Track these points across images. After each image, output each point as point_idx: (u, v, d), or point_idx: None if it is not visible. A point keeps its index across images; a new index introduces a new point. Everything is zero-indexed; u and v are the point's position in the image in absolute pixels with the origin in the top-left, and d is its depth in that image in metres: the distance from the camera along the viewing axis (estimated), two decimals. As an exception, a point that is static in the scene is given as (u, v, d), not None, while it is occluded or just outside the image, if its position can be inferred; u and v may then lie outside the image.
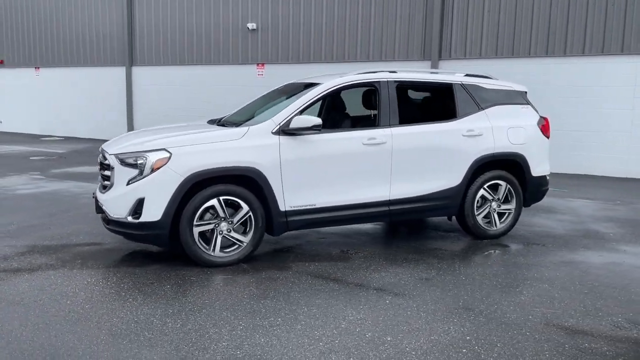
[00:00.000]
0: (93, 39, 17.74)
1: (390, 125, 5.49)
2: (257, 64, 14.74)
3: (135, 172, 4.70)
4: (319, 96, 5.32)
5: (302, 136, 5.07)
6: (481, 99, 5.97)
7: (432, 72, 6.14)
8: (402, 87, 5.95)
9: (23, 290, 4.24)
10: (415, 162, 5.54)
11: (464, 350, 3.37)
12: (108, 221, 4.94)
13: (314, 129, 5.01)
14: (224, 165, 4.78)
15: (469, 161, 5.75)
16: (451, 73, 6.22)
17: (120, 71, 17.25)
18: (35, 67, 19.36)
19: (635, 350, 3.45)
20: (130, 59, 17.02)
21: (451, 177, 5.70)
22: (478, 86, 6.01)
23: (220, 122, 5.77)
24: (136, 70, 17.00)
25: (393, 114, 5.53)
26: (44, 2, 18.73)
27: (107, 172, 5.00)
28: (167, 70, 16.40)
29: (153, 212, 4.63)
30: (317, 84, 5.49)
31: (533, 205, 6.70)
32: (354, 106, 6.26)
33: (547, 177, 6.33)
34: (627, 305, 4.17)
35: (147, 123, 15.24)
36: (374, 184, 5.39)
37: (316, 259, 5.22)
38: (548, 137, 6.31)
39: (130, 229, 4.73)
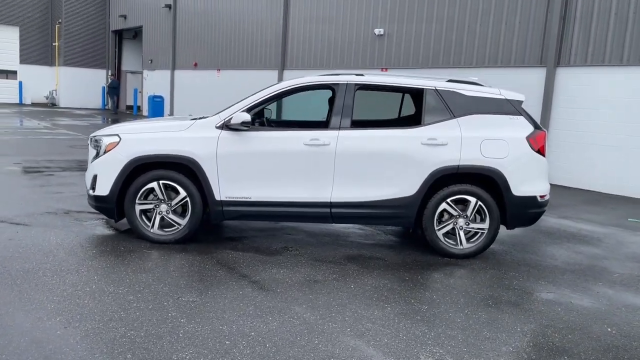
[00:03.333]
0: (257, 48, 19.80)
1: (339, 128, 5.49)
2: (381, 69, 14.94)
3: (95, 152, 5.61)
4: (269, 96, 5.59)
5: (244, 132, 5.43)
6: (456, 107, 5.55)
7: (409, 77, 5.89)
8: (366, 90, 5.85)
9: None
10: (361, 166, 5.44)
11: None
12: (93, 192, 5.97)
13: (244, 125, 5.34)
14: (164, 153, 5.40)
15: (426, 171, 5.42)
16: (432, 78, 5.88)
17: (274, 74, 18.97)
18: (217, 69, 22.29)
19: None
20: (282, 64, 18.62)
21: (404, 186, 5.45)
22: (455, 92, 5.60)
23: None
24: (287, 74, 18.53)
25: (345, 117, 5.52)
26: (224, 19, 21.46)
27: (93, 152, 6.04)
28: (311, 72, 17.55)
29: (103, 188, 5.47)
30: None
31: (559, 229, 5.95)
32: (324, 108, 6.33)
33: (540, 199, 5.57)
34: None
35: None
36: (314, 185, 5.47)
37: (248, 250, 5.52)
38: (542, 153, 5.56)
39: (90, 200, 5.65)
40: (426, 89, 5.62)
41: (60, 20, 30.22)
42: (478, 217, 5.58)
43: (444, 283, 4.82)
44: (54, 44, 31.10)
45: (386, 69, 14.84)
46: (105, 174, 5.46)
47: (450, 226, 5.55)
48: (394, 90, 5.99)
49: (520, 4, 11.80)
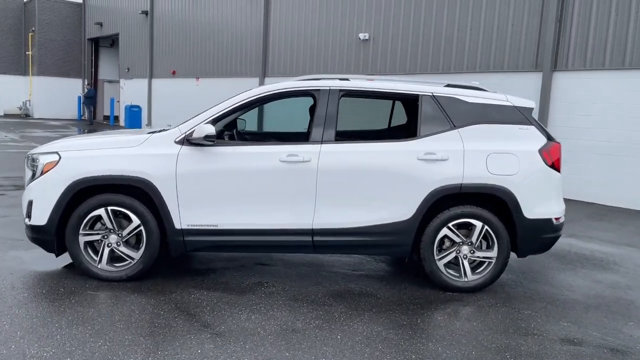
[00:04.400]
0: (237, 56, 18.95)
1: (322, 142, 4.67)
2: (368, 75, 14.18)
3: (31, 174, 4.72)
4: (237, 105, 4.75)
5: (208, 148, 4.58)
6: (457, 115, 4.76)
7: (401, 82, 5.09)
8: (353, 97, 5.05)
9: None
10: (348, 186, 4.62)
11: None
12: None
13: (208, 139, 4.49)
14: (112, 174, 4.53)
15: (424, 191, 4.61)
16: (428, 83, 5.10)
17: (255, 81, 18.14)
18: (196, 78, 21.40)
19: None
20: (263, 71, 17.81)
21: (398, 209, 4.64)
22: (455, 99, 4.81)
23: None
24: (268, 81, 17.71)
25: (328, 128, 4.70)
26: (203, 25, 20.60)
27: (31, 173, 5.13)
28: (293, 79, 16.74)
29: (39, 216, 4.57)
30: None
31: (569, 251, 5.17)
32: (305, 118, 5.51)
33: (555, 221, 4.79)
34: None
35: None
36: (292, 209, 4.63)
37: (215, 287, 4.66)
38: (557, 169, 4.78)
39: (27, 231, 4.75)
40: (422, 95, 4.82)
41: (33, 28, 29.15)
42: (485, 244, 4.79)
43: (449, 328, 3.99)
44: (27, 52, 29.98)
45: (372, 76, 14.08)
46: (42, 200, 4.57)
47: (453, 255, 4.75)
48: (385, 97, 5.20)
49: (512, 6, 11.13)
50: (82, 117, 29.75)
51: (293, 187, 4.61)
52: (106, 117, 29.42)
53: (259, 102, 4.85)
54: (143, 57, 24.35)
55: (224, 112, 4.73)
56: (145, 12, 23.86)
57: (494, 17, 11.47)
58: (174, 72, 22.68)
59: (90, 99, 28.19)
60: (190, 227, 4.59)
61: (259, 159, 4.62)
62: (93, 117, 28.63)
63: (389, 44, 13.70)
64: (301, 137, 5.94)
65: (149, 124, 23.74)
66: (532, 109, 4.89)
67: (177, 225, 4.58)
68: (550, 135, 4.90)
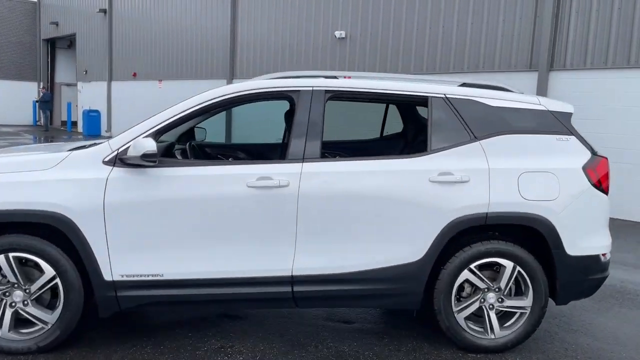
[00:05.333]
0: (202, 56, 17.70)
1: (303, 159, 3.51)
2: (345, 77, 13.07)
3: None
4: (187, 112, 3.55)
5: (149, 169, 3.38)
6: (478, 123, 3.66)
7: (402, 80, 3.97)
8: (342, 100, 3.92)
9: None
10: (338, 218, 3.47)
11: None
12: None
13: (147, 159, 3.29)
14: (12, 208, 3.28)
15: (439, 224, 3.50)
16: (438, 82, 4.00)
17: (222, 83, 16.85)
18: (159, 80, 19.99)
19: None
20: (231, 72, 16.58)
21: (405, 248, 3.51)
22: (475, 102, 3.70)
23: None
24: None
25: (311, 141, 3.54)
26: (166, 24, 19.21)
27: None
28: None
29: None
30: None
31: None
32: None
33: (603, 258, 3.73)
34: None
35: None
36: (265, 250, 3.46)
37: (159, 358, 3.44)
38: (605, 190, 3.73)
39: None
40: (432, 97, 3.70)
41: (-17, 28, 27.19)
42: (516, 290, 3.70)
43: (486, 420, 2.87)
44: (-23, 54, 27.99)
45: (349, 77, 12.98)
46: None
47: (476, 305, 3.64)
48: (383, 100, 4.08)
49: (503, 0, 10.17)
50: (38, 123, 27.87)
51: (266, 221, 3.44)
52: (64, 123, 27.62)
53: (220, 107, 3.67)
54: (102, 59, 22.76)
55: (171, 120, 3.52)
56: (104, 11, 22.28)
57: (482, 13, 10.50)
58: (135, 75, 21.19)
59: (46, 104, 26.34)
60: (124, 279, 3.37)
61: (220, 184, 3.43)
62: (50, 122, 26.79)
63: (367, 42, 12.62)
64: (274, 152, 4.78)
65: (109, 129, 22.19)
66: (571, 114, 3.83)
67: (107, 277, 3.36)
68: (594, 148, 3.85)
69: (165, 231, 3.38)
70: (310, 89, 3.64)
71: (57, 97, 28.18)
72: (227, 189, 3.42)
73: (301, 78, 3.77)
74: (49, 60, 28.43)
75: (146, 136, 3.40)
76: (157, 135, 3.48)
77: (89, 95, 23.94)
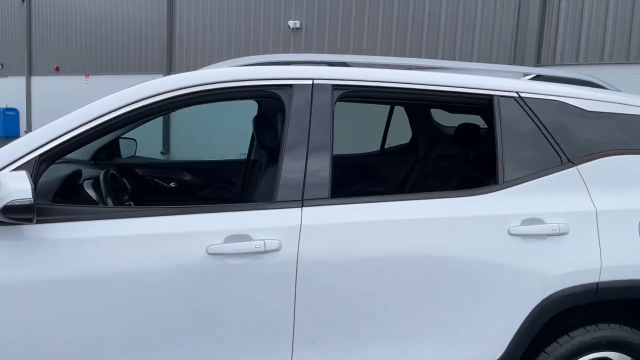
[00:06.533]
0: (136, 47, 15.94)
1: (302, 201, 2.07)
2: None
3: None
4: (96, 124, 2.02)
5: (25, 228, 1.84)
6: (570, 137, 2.34)
7: (442, 71, 2.60)
8: (358, 100, 2.52)
9: None
10: (364, 303, 2.07)
11: None
12: None
13: (14, 216, 1.75)
14: None
15: (525, 304, 2.17)
16: (500, 72, 2.67)
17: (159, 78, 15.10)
18: (85, 75, 17.95)
19: None
20: (169, 66, 14.85)
21: (473, 345, 2.15)
22: (563, 104, 2.38)
23: None
24: (174, 79, 14.76)
25: (315, 170, 2.11)
26: (93, 12, 17.33)
27: None
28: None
29: None
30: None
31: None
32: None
33: None
34: None
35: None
36: (239, 356, 1.99)
37: None
38: None
39: None
40: (498, 96, 2.34)
41: None
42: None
43: None
44: None
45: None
46: None
47: None
48: (417, 101, 2.64)
49: (481, -14, 9.08)
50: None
51: (241, 312, 1.97)
52: (-23, 123, 24.71)
53: (152, 113, 2.17)
54: (19, 51, 20.36)
55: (70, 138, 1.98)
56: (21, -4, 19.90)
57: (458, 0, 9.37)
58: (57, 68, 18.98)
59: (-46, 101, 23.44)
60: None
61: (157, 251, 1.93)
62: (-40, 122, 23.85)
63: (326, 33, 11.29)
64: (246, 173, 3.33)
65: (29, 129, 19.81)
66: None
67: None
68: None
69: (56, 338, 1.86)
70: (309, 82, 2.19)
71: (-30, 94, 25.20)
72: (170, 259, 1.93)
73: (291, 64, 2.33)
74: (-41, 52, 25.39)
75: (17, 168, 1.86)
76: (43, 163, 1.94)
77: (5, 92, 21.34)
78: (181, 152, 13.36)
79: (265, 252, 1.96)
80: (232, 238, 1.96)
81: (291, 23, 11.76)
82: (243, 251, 1.95)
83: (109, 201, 2.35)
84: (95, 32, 17.26)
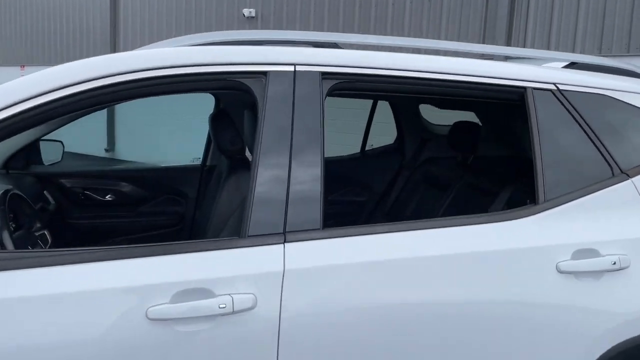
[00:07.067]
0: (77, 35, 14.87)
1: (284, 235, 1.47)
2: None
3: None
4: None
5: None
6: (622, 142, 1.83)
7: (464, 58, 2.05)
8: (346, 96, 1.96)
9: None
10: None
11: None
12: None
13: None
14: None
15: (585, 353, 1.63)
16: (529, 58, 2.14)
17: (103, 71, 14.11)
18: (21, 66, 16.68)
19: None
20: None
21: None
22: (610, 99, 1.87)
23: None
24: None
25: (300, 192, 1.51)
26: (29, 3, 16.08)
27: None
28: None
29: None
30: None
31: None
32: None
33: None
34: None
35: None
36: None
37: None
38: None
39: None
40: (532, 89, 1.80)
41: None
42: None
43: None
44: None
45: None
46: None
47: None
48: (443, 94, 2.00)
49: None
50: None
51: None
52: None
53: (82, 109, 1.54)
54: (-54, 39, 18.81)
55: None
56: (-53, -21, 18.31)
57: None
58: (-10, 59, 17.66)
59: None
60: None
61: (65, 320, 1.30)
62: None
63: (283, 21, 10.71)
64: (201, 182, 2.71)
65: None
66: None
67: None
68: None
69: None
70: (291, 69, 1.59)
71: None
72: (90, 329, 1.30)
73: (263, 42, 1.72)
74: None
75: None
76: None
77: None
78: (129, 148, 12.45)
79: (233, 312, 1.35)
80: (184, 295, 1.35)
81: (246, 11, 11.10)
82: (201, 314, 1.34)
83: (5, 237, 1.66)
84: (32, 19, 16.07)
